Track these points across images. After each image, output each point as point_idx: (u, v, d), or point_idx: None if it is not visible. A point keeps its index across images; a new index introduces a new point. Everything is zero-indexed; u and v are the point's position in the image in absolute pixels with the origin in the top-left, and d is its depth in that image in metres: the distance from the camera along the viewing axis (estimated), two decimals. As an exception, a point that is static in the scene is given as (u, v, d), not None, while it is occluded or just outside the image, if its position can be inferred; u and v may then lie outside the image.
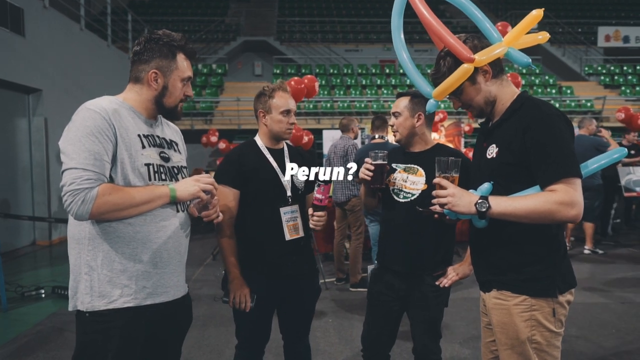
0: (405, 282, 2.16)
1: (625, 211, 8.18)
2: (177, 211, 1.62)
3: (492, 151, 1.62)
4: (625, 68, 16.19)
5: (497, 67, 1.64)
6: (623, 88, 15.01)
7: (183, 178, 1.67)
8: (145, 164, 1.53)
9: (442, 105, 10.30)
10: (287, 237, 2.14)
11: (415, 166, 2.17)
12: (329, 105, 13.52)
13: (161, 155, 1.61)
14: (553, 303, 1.54)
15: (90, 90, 8.34)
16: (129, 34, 10.96)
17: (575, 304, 4.22)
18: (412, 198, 2.12)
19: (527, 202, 1.44)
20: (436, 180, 1.61)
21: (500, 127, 1.63)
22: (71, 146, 1.42)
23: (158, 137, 1.64)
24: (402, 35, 1.88)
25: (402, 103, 2.19)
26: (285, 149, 2.28)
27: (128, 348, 1.50)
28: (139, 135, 1.55)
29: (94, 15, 10.44)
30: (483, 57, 1.59)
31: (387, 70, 15.68)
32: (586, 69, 16.65)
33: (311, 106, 13.28)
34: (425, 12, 1.70)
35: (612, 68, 16.34)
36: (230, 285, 2.07)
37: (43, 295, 4.56)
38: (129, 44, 10.95)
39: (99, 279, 1.47)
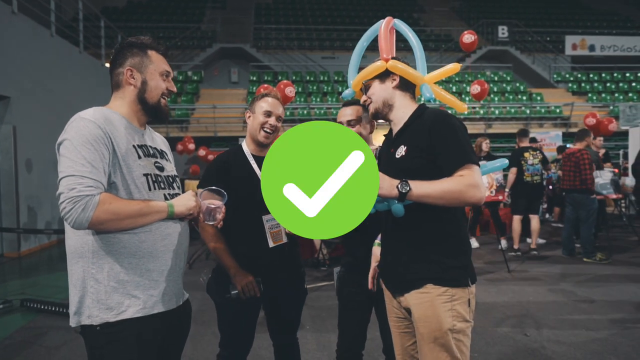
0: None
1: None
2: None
3: (400, 151, 1.76)
4: (591, 75, 16.80)
5: (407, 85, 1.86)
6: (590, 95, 15.57)
7: (178, 187, 1.69)
8: (144, 174, 1.53)
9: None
10: (271, 244, 2.17)
11: None
12: (305, 112, 13.58)
13: (156, 165, 1.61)
14: (468, 293, 1.68)
15: (61, 97, 8.17)
16: (102, 40, 10.78)
17: (547, 304, 4.39)
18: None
19: (442, 184, 1.60)
20: None
21: (405, 131, 1.80)
22: (68, 154, 1.40)
23: (150, 147, 1.64)
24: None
25: (362, 111, 2.22)
26: None
27: (147, 355, 1.50)
28: (134, 146, 1.54)
29: (65, 21, 10.23)
30: (397, 65, 1.83)
31: (363, 77, 15.83)
32: (555, 76, 17.20)
33: (288, 113, 13.31)
34: (384, 29, 1.96)
35: (579, 75, 16.93)
36: (234, 279, 2.08)
37: (11, 309, 4.41)
38: (102, 51, 10.77)
39: (106, 291, 1.45)
